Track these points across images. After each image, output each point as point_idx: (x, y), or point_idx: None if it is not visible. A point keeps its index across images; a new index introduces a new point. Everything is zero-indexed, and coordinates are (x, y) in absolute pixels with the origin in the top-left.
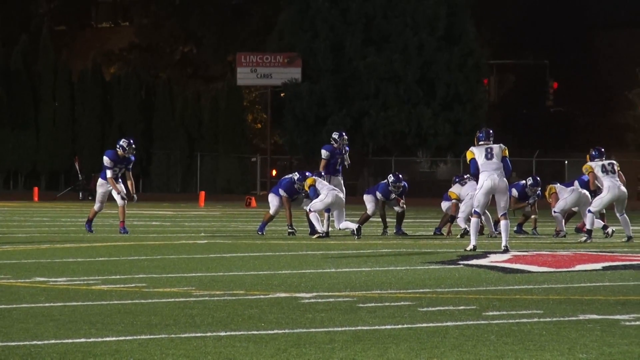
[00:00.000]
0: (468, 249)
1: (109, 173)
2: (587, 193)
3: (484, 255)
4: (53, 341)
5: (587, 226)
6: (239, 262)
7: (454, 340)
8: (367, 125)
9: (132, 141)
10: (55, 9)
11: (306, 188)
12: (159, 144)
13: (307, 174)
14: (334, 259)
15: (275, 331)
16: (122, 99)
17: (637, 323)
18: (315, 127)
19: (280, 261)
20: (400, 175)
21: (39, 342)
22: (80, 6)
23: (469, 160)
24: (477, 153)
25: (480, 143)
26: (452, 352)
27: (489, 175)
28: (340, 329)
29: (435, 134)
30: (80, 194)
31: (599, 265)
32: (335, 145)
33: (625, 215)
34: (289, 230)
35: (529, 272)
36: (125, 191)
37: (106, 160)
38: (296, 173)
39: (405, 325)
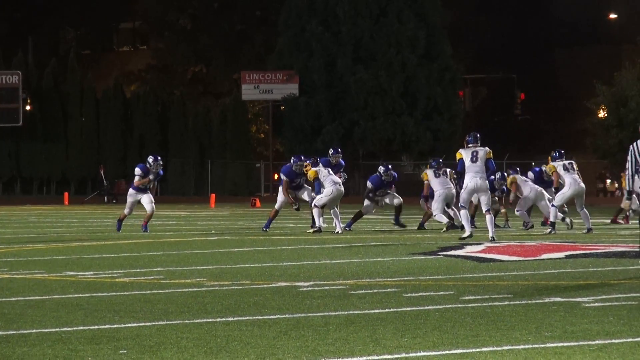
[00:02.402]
0: (464, 236)
1: (136, 179)
2: (542, 190)
3: (461, 246)
4: (81, 328)
5: (551, 219)
6: (245, 255)
7: (434, 322)
8: (357, 133)
9: (158, 158)
10: (81, 35)
11: (310, 179)
12: (174, 153)
13: (302, 157)
14: (329, 251)
15: (277, 316)
16: (141, 113)
17: (596, 305)
18: (311, 136)
19: (281, 254)
20: (390, 166)
21: (69, 329)
22: (103, 32)
23: (458, 160)
24: (464, 155)
25: (469, 146)
26: (433, 333)
27: (472, 177)
28: (334, 313)
29: (417, 141)
30: (106, 198)
31: (562, 254)
32: (332, 161)
33: (585, 209)
34: (294, 207)
35: (500, 261)
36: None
37: (137, 171)
38: (292, 158)
39: (391, 310)
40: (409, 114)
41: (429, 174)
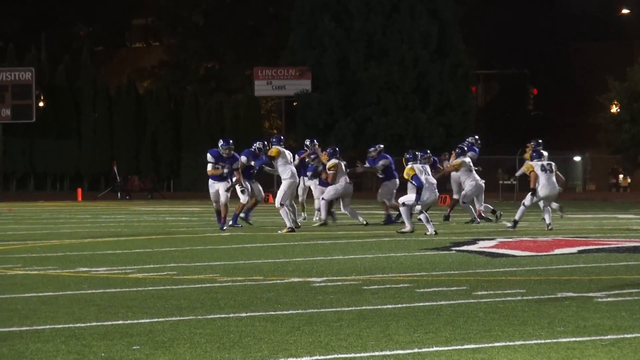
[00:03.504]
0: (404, 231)
1: (209, 166)
2: (482, 184)
3: (474, 241)
4: (95, 323)
5: (517, 217)
6: (257, 251)
7: (447, 317)
8: (370, 129)
9: (230, 142)
10: (94, 32)
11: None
12: (186, 149)
13: (229, 141)
14: (342, 247)
15: (290, 311)
16: (153, 110)
17: (609, 300)
18: (324, 132)
19: (294, 250)
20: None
21: (82, 325)
22: (116, 29)
23: (411, 177)
24: (417, 169)
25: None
26: (445, 328)
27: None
28: (347, 308)
29: (430, 136)
30: (119, 194)
31: (574, 249)
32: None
33: (549, 207)
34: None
35: (513, 256)
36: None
37: (208, 157)
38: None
39: (404, 305)
40: (422, 109)
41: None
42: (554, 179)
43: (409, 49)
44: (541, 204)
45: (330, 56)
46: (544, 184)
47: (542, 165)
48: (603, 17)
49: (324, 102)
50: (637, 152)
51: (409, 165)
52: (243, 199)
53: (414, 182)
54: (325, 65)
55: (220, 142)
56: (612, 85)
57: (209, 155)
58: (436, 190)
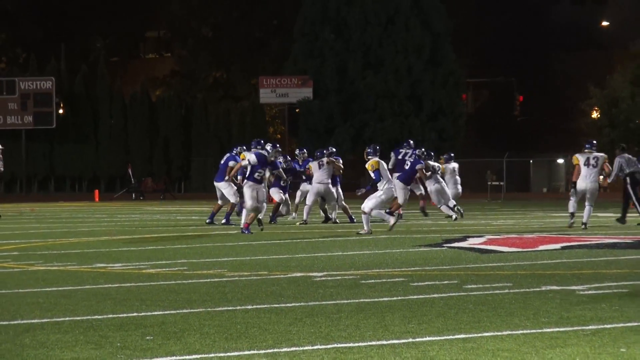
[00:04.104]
0: (361, 232)
1: (234, 165)
2: (442, 186)
3: (464, 239)
4: (111, 315)
5: (570, 209)
6: (262, 248)
7: (439, 309)
8: (367, 134)
9: (277, 145)
10: (109, 44)
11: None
12: (196, 153)
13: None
14: (341, 244)
15: (293, 304)
16: (165, 116)
17: (590, 292)
18: (324, 137)
19: (296, 247)
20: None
21: (99, 317)
22: (130, 41)
23: (374, 170)
24: (381, 164)
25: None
26: (437, 319)
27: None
28: (346, 301)
29: (423, 140)
30: (133, 195)
31: (558, 246)
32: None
33: (589, 205)
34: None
35: (500, 252)
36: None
37: (252, 159)
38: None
39: (399, 298)
40: (416, 115)
41: (313, 165)
42: (594, 174)
43: (403, 59)
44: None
45: (330, 66)
46: (582, 177)
47: (587, 159)
48: (585, 29)
49: (324, 108)
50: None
51: (375, 159)
52: (278, 197)
53: (374, 175)
54: (325, 74)
55: (269, 146)
56: (593, 93)
57: (252, 157)
58: (394, 188)
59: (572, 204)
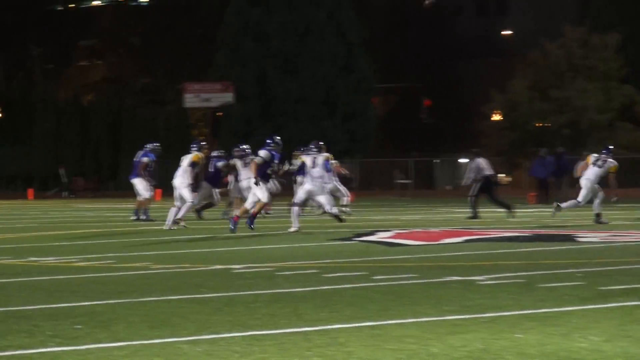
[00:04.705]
0: (291, 230)
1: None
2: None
3: (373, 233)
4: (42, 306)
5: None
6: (187, 242)
7: (349, 298)
8: (284, 136)
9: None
10: (45, 52)
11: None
12: (124, 154)
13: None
14: (259, 239)
15: (213, 294)
16: (96, 119)
17: (489, 282)
18: (244, 139)
19: (217, 241)
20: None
21: (32, 307)
22: (64, 49)
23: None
24: (306, 160)
25: (310, 153)
26: (348, 308)
27: (311, 181)
28: (262, 292)
29: (336, 142)
30: (64, 193)
31: (461, 239)
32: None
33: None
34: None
35: (407, 245)
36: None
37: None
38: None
39: (312, 288)
40: (329, 118)
41: (237, 163)
42: (599, 174)
43: (319, 67)
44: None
45: (250, 72)
46: (587, 174)
47: (595, 158)
48: (488, 38)
49: (244, 112)
50: (515, 154)
51: (302, 156)
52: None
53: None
54: (246, 80)
55: (272, 139)
56: (495, 97)
57: (269, 154)
58: (318, 182)
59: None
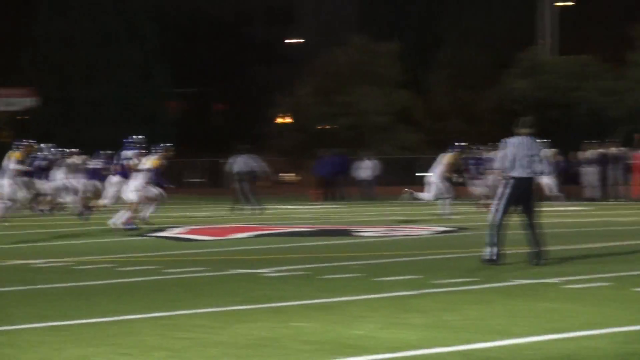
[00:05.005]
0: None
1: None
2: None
3: (164, 229)
4: None
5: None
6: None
7: (142, 290)
8: (86, 138)
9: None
10: None
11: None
12: None
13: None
14: (58, 235)
15: (13, 288)
16: None
17: (274, 275)
18: (47, 140)
19: (20, 237)
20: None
21: None
22: None
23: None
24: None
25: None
26: (141, 299)
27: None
28: (59, 285)
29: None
30: None
31: (252, 234)
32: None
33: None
34: None
35: (197, 240)
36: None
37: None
38: None
39: (106, 281)
40: (128, 122)
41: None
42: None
43: (119, 72)
44: None
45: (54, 77)
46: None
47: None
48: (275, 45)
49: (47, 115)
50: (300, 155)
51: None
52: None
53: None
54: (49, 85)
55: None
56: (281, 101)
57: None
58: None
59: None
